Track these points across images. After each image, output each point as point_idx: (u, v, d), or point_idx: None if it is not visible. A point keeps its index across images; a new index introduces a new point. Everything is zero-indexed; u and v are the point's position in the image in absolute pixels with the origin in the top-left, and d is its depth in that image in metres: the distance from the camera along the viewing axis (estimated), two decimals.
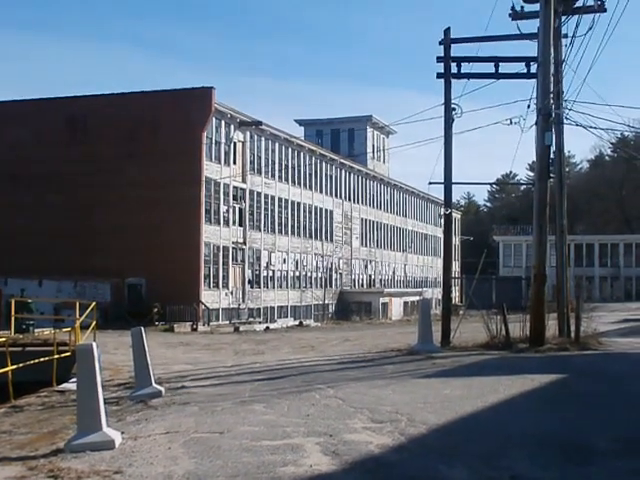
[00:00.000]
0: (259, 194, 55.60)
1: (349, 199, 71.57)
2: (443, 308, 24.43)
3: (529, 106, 22.97)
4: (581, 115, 21.96)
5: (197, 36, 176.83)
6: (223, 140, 50.81)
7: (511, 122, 23.33)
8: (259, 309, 54.91)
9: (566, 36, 23.60)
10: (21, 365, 15.95)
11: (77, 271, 46.45)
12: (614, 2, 22.48)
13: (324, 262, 66.19)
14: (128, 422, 10.89)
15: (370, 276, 76.58)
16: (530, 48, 23.50)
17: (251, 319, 51.65)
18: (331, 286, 67.02)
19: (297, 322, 52.67)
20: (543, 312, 20.62)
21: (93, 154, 48.14)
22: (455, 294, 66.51)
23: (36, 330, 28.79)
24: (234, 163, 52.37)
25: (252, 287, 54.70)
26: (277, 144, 58.10)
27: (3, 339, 17.98)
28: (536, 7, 21.93)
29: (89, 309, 23.55)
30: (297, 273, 61.78)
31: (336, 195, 68.90)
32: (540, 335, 20.52)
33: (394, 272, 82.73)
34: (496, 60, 23.99)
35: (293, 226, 61.03)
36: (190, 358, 22.05)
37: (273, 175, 57.49)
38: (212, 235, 49.33)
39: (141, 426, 10.47)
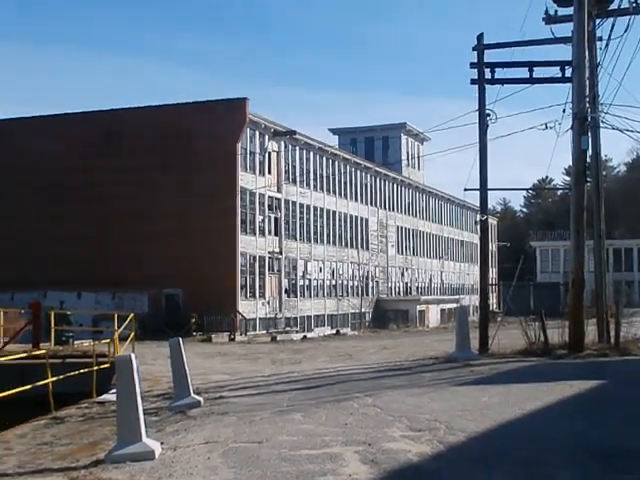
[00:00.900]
0: (294, 203, 55.69)
1: (384, 207, 71.46)
2: (480, 315, 24.28)
3: (564, 110, 22.75)
4: (617, 118, 21.82)
5: (228, 48, 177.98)
6: (257, 150, 50.96)
7: (546, 127, 23.09)
8: (296, 318, 54.94)
9: (601, 39, 23.48)
10: (61, 377, 16.10)
11: (114, 283, 46.81)
12: None
13: (360, 270, 66.10)
14: (167, 432, 10.96)
15: (407, 284, 76.34)
16: (565, 52, 23.35)
17: (288, 328, 51.66)
18: (367, 294, 66.90)
19: (334, 331, 52.59)
20: (582, 318, 20.45)
21: (128, 166, 48.54)
22: (492, 301, 66.04)
23: (75, 342, 29.02)
24: (269, 173, 52.50)
25: (289, 296, 54.77)
26: (311, 153, 58.20)
27: (43, 351, 18.19)
28: (570, 11, 21.81)
29: (127, 320, 23.70)
30: (333, 282, 61.75)
31: (371, 203, 68.83)
32: (579, 341, 20.34)
33: (431, 279, 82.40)
34: (530, 65, 23.83)
35: (329, 235, 61.04)
36: (228, 368, 22.11)
37: (308, 184, 57.56)
38: (248, 245, 49.48)
39: (180, 436, 10.53)
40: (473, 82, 23.86)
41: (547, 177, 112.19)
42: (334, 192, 61.92)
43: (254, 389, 15.91)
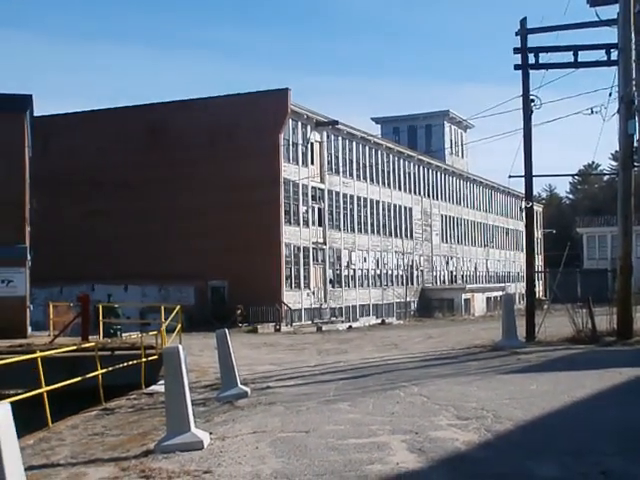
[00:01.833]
0: (337, 193, 55.69)
1: (428, 195, 71.15)
2: (527, 303, 24.08)
3: (611, 94, 22.36)
4: None
5: (268, 38, 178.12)
6: (300, 141, 51.02)
7: (592, 111, 22.73)
8: (341, 308, 55.01)
9: None
10: (110, 369, 16.33)
11: (160, 275, 47.30)
12: None
13: (405, 260, 65.93)
14: (216, 423, 11.04)
15: (452, 272, 75.97)
16: (610, 35, 22.97)
17: (333, 318, 51.76)
18: (412, 283, 66.73)
19: (379, 320, 52.57)
20: (630, 304, 20.21)
21: (173, 159, 48.97)
22: (539, 288, 65.47)
23: (123, 334, 29.38)
24: (312, 163, 52.56)
25: (333, 287, 54.84)
26: (354, 143, 58.10)
27: (93, 344, 18.45)
28: None
29: (174, 312, 23.93)
30: (378, 271, 61.69)
31: (415, 192, 68.58)
32: (628, 328, 20.11)
33: (476, 268, 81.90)
34: (575, 49, 23.43)
35: (372, 224, 60.97)
36: (274, 358, 22.20)
37: (351, 174, 57.51)
38: (292, 236, 49.62)
39: (228, 426, 10.60)
40: (517, 67, 23.56)
41: (593, 162, 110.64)
42: (377, 181, 61.78)
43: (300, 379, 15.95)
